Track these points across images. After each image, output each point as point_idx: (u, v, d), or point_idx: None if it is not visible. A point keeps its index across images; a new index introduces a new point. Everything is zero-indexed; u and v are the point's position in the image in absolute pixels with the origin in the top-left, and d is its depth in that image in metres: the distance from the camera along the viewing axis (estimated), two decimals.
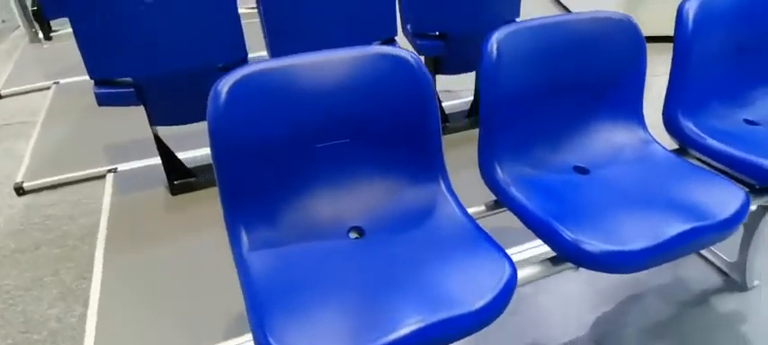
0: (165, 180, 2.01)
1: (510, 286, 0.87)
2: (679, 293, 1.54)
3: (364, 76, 1.03)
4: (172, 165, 1.98)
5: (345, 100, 1.03)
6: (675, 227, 0.98)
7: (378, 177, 1.08)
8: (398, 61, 1.02)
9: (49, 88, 2.80)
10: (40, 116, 2.54)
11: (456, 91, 2.70)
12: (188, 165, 2.04)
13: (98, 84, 1.66)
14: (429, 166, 1.08)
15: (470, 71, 2.28)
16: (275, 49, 1.79)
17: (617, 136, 1.30)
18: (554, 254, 1.07)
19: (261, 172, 0.98)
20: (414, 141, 1.07)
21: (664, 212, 1.03)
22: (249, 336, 1.36)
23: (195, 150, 2.24)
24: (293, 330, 0.78)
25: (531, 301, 1.50)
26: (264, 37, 1.80)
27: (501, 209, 1.20)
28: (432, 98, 1.05)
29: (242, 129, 0.96)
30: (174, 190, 1.98)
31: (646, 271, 1.60)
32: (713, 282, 1.58)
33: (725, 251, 1.62)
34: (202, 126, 2.45)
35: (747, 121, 1.41)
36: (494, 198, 1.20)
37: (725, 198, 1.06)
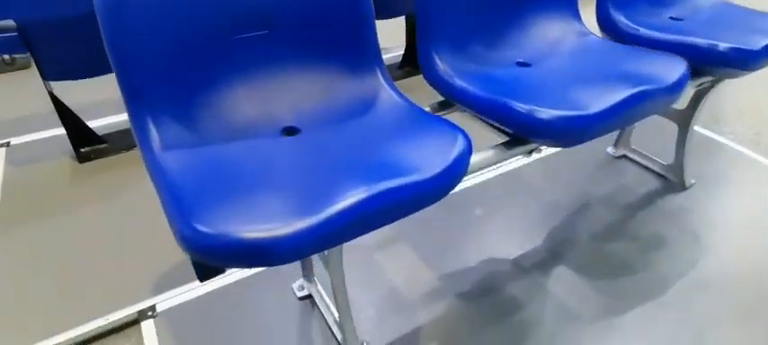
0: (71, 150, 1.76)
1: (465, 155, 0.79)
2: (623, 198, 1.55)
3: None
4: (77, 130, 1.73)
5: None
6: (626, 92, 0.95)
7: (308, 71, 0.96)
8: None
9: None
10: None
11: (387, 47, 2.63)
12: (99, 133, 1.80)
13: None
14: (364, 55, 0.98)
15: (399, 15, 2.21)
16: None
17: (554, 30, 1.26)
18: (507, 139, 1.00)
19: (170, 62, 0.83)
20: (344, 28, 0.96)
21: (614, 83, 0.99)
22: (155, 299, 1.20)
23: (106, 118, 2.00)
24: (222, 213, 0.65)
25: (484, 222, 1.45)
26: None
27: (446, 111, 1.12)
28: None
29: (142, 11, 0.80)
30: (82, 158, 1.74)
31: (588, 181, 1.62)
32: (653, 186, 1.61)
33: (660, 155, 1.66)
34: (108, 93, 2.21)
35: (673, 18, 1.44)
36: (437, 100, 1.12)
37: (668, 66, 1.05)
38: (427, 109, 1.11)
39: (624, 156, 1.76)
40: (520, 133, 0.96)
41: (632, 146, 1.75)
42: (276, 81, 0.93)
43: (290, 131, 0.90)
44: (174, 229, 0.66)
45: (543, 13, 1.26)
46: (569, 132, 0.90)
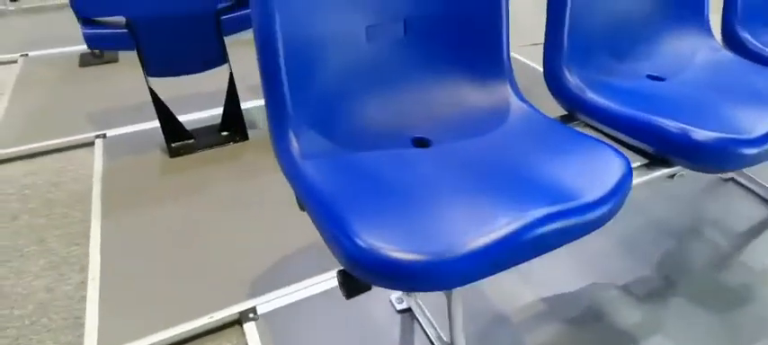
0: (162, 142, 1.80)
1: (627, 178, 0.73)
2: (734, 224, 1.44)
3: None
4: (170, 126, 1.78)
5: None
6: None
7: (439, 79, 0.92)
8: None
9: (15, 62, 2.53)
10: (7, 88, 2.28)
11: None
12: (187, 128, 1.84)
13: (86, 23, 1.46)
14: (495, 64, 0.93)
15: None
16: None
17: (685, 42, 1.18)
18: (645, 160, 0.94)
19: (309, 67, 0.82)
20: (477, 34, 0.92)
21: (766, 104, 0.91)
22: (256, 301, 1.19)
23: (193, 113, 2.04)
24: (384, 231, 0.62)
25: (591, 239, 1.37)
26: None
27: (572, 122, 1.06)
28: None
29: (289, 17, 0.79)
30: (173, 153, 1.78)
31: (697, 203, 1.51)
32: (764, 213, 1.49)
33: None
34: (199, 88, 2.26)
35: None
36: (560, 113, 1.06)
37: None
38: None
39: (732, 179, 1.64)
40: (664, 153, 0.89)
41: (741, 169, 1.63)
42: (408, 89, 0.90)
43: (421, 142, 0.87)
44: (333, 243, 0.63)
45: (673, 24, 1.18)
46: (728, 157, 0.82)
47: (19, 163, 1.79)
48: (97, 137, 1.88)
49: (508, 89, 0.93)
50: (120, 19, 1.48)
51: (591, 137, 0.82)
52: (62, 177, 1.70)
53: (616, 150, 0.78)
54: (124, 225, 1.45)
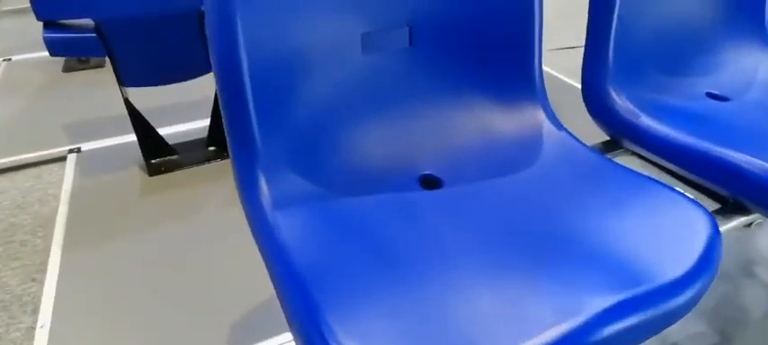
0: (141, 159, 1.63)
1: (714, 242, 0.53)
2: None
3: None
4: (149, 140, 1.60)
5: None
6: None
7: (450, 98, 0.73)
8: None
9: None
10: None
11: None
12: (169, 142, 1.66)
13: (48, 27, 1.28)
14: (525, 81, 0.74)
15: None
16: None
17: (745, 55, 0.97)
18: (717, 206, 0.74)
19: (283, 91, 0.63)
20: (504, 46, 0.72)
21: None
22: None
23: (177, 125, 1.86)
24: (374, 329, 0.43)
25: None
26: None
27: (610, 153, 0.86)
28: None
29: (258, 23, 0.60)
30: (152, 170, 1.60)
31: (745, 245, 1.30)
32: None
33: None
34: (185, 97, 2.08)
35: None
36: (603, 139, 0.86)
37: None
38: None
39: None
40: (742, 197, 0.69)
41: None
42: (414, 112, 0.71)
43: (430, 182, 0.68)
44: (297, 334, 0.44)
45: (730, 32, 0.97)
46: None
47: None
48: (70, 151, 1.71)
49: (541, 112, 0.74)
50: (89, 21, 1.31)
51: (656, 180, 0.62)
52: (29, 197, 1.53)
53: (693, 201, 0.58)
54: (89, 258, 1.27)
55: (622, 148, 0.86)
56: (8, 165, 1.66)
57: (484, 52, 0.73)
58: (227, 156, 1.67)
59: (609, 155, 0.86)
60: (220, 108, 0.60)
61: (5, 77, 2.26)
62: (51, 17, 1.25)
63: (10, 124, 1.89)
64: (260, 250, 0.56)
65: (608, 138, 0.87)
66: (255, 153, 0.59)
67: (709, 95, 0.89)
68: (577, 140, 0.72)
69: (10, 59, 2.42)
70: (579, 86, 2.12)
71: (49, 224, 1.41)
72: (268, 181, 0.58)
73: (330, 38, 0.65)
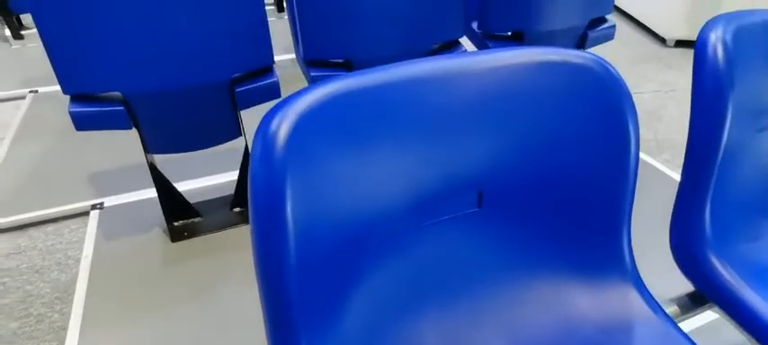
0: (163, 219, 1.56)
1: None
2: None
3: (515, 99, 0.59)
4: (171, 202, 1.54)
5: (478, 140, 0.59)
6: None
7: (528, 276, 0.63)
8: (579, 73, 0.58)
9: (23, 97, 2.35)
10: (9, 132, 2.09)
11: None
12: (192, 199, 1.60)
13: (75, 100, 1.22)
14: (615, 256, 0.64)
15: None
16: (309, 50, 1.36)
17: None
18: None
19: (337, 282, 0.54)
20: (592, 213, 0.63)
21: None
22: None
23: (201, 179, 1.80)
24: None
25: None
26: (294, 34, 1.37)
27: (696, 310, 0.76)
28: (630, 139, 0.61)
29: (309, 202, 0.51)
30: (174, 235, 1.54)
31: None
32: None
33: None
34: (211, 148, 2.03)
35: None
36: (688, 290, 0.76)
37: None
38: (675, 307, 0.76)
39: None
40: None
41: None
42: (483, 295, 0.62)
43: None
44: None
45: None
46: None
47: (5, 237, 1.57)
48: (93, 207, 1.65)
49: (632, 292, 0.64)
50: (116, 93, 1.25)
51: None
52: (47, 260, 1.48)
53: None
54: (106, 332, 1.20)
55: (710, 303, 0.75)
56: (30, 221, 1.61)
57: (565, 218, 0.63)
58: None
59: (698, 311, 0.76)
60: (261, 304, 0.52)
61: (30, 112, 2.24)
62: (78, 91, 1.20)
63: (34, 169, 1.85)
64: None
65: (692, 290, 0.77)
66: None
67: None
68: (675, 326, 0.62)
69: (36, 91, 2.40)
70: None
71: (67, 295, 1.36)
72: None
73: (387, 212, 0.57)
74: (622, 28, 3.28)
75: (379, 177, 0.56)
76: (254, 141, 0.50)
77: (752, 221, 0.75)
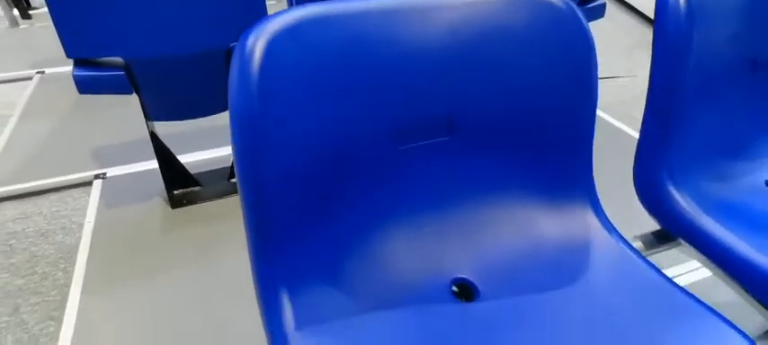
0: (164, 188, 1.62)
1: None
2: None
3: (484, 32, 0.63)
4: (171, 171, 1.59)
5: (447, 71, 0.63)
6: None
7: (494, 197, 0.68)
8: (543, 7, 0.63)
9: (30, 78, 2.42)
10: (16, 110, 2.15)
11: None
12: (192, 171, 1.65)
13: (79, 65, 1.28)
14: (575, 179, 0.68)
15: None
16: None
17: None
18: None
19: (313, 199, 0.59)
20: (553, 137, 0.67)
21: None
22: None
23: (201, 152, 1.85)
24: None
25: None
26: None
27: (661, 247, 0.80)
28: (592, 71, 0.65)
29: (285, 124, 0.56)
30: (174, 203, 1.59)
31: None
32: None
33: None
34: (208, 122, 2.08)
35: None
36: (652, 228, 0.80)
37: None
38: (639, 243, 0.80)
39: None
40: None
41: None
42: (451, 211, 0.66)
43: (464, 290, 0.63)
44: None
45: None
46: None
47: (12, 204, 1.63)
48: (96, 176, 1.71)
49: (591, 215, 0.68)
50: (118, 59, 1.30)
51: (713, 311, 0.56)
52: (53, 225, 1.53)
53: (729, 323, 0.52)
54: (108, 299, 1.25)
55: (676, 241, 0.79)
56: (33, 189, 1.67)
57: (529, 144, 0.68)
58: None
59: (662, 248, 0.80)
60: (242, 215, 0.56)
61: (38, 91, 2.30)
62: (81, 55, 1.25)
63: (40, 143, 1.91)
64: None
65: (658, 228, 0.80)
66: (281, 273, 0.55)
67: None
68: (629, 246, 0.66)
69: (43, 72, 2.46)
70: (617, 125, 2.04)
71: (70, 256, 1.41)
72: (292, 303, 0.54)
73: (361, 135, 0.61)
74: (618, 15, 3.30)
75: (354, 100, 0.60)
76: (232, 59, 0.55)
77: (713, 161, 0.79)
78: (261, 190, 0.55)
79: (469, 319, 0.58)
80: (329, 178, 0.59)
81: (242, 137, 0.54)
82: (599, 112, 2.16)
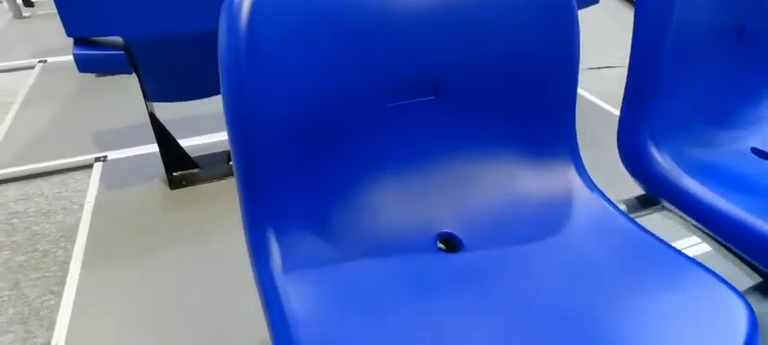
0: (164, 171, 1.64)
1: (751, 339, 0.49)
2: None
3: None
4: (171, 153, 1.61)
5: (434, 32, 0.65)
6: None
7: (479, 154, 0.69)
8: None
9: (33, 67, 2.44)
10: (18, 97, 2.18)
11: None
12: (191, 154, 1.67)
13: (79, 43, 1.30)
14: (558, 139, 0.70)
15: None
16: None
17: None
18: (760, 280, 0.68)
19: (301, 147, 0.60)
20: (537, 98, 0.68)
21: None
22: None
23: (201, 137, 1.87)
24: None
25: None
26: None
27: (646, 211, 0.81)
28: (573, 30, 0.66)
29: (272, 77, 0.58)
30: (174, 184, 1.61)
31: None
32: None
33: None
34: (209, 107, 2.10)
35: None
36: (637, 193, 0.81)
37: None
38: (620, 206, 0.81)
39: None
40: None
41: None
42: (437, 167, 0.67)
43: (449, 243, 0.65)
44: None
45: None
46: None
47: (14, 186, 1.66)
48: (97, 159, 1.73)
49: (572, 172, 0.69)
50: (117, 39, 1.32)
51: (695, 261, 0.57)
52: (54, 205, 1.56)
53: (737, 293, 0.53)
54: (107, 275, 1.28)
55: (660, 205, 0.81)
56: (35, 172, 1.70)
57: (514, 104, 0.69)
58: None
59: (645, 212, 0.81)
60: (234, 161, 0.58)
61: (40, 79, 2.33)
62: (81, 34, 1.27)
63: (42, 128, 1.93)
64: (266, 317, 0.53)
65: (642, 192, 0.82)
66: (268, 215, 0.57)
67: (755, 151, 0.83)
68: (611, 203, 0.67)
69: (46, 61, 2.49)
70: (610, 109, 2.05)
71: (71, 235, 1.43)
72: (280, 246, 0.56)
73: (348, 90, 0.63)
74: (621, 9, 3.31)
75: (340, 54, 0.62)
76: (220, 14, 0.57)
77: (698, 127, 0.80)
78: (249, 135, 0.57)
79: (454, 269, 0.60)
80: (316, 126, 0.61)
81: (229, 81, 0.56)
82: (598, 102, 2.17)
